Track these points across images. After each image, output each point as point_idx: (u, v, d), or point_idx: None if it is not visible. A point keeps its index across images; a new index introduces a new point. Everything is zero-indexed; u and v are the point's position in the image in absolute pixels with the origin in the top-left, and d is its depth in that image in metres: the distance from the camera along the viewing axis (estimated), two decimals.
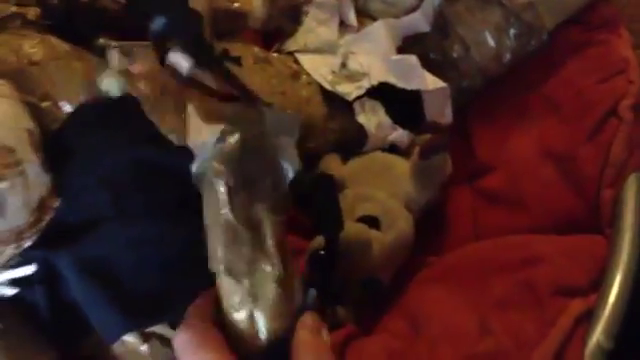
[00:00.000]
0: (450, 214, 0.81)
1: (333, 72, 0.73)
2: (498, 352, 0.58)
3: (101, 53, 0.49)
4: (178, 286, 0.47)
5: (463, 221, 0.80)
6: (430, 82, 0.76)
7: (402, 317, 0.68)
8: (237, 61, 0.64)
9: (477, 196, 0.80)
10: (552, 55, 0.78)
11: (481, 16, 0.78)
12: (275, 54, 0.74)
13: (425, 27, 0.78)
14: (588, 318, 0.59)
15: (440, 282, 0.70)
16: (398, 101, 0.75)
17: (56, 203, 0.43)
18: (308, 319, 0.47)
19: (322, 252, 0.65)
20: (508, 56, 0.78)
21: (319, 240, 0.66)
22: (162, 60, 0.53)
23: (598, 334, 0.57)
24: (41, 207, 0.41)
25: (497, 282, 0.65)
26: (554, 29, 0.77)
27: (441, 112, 0.77)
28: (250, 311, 0.44)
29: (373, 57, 0.74)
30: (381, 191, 0.70)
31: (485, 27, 0.77)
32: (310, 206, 0.63)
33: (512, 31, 0.77)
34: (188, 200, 0.48)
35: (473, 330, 0.61)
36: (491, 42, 0.78)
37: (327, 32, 0.75)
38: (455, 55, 0.79)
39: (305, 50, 0.75)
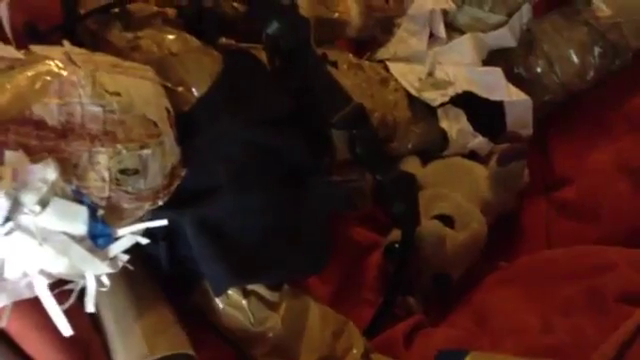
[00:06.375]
0: (524, 223, 0.84)
1: (420, 80, 0.78)
2: (558, 349, 0.61)
3: (223, 51, 0.58)
4: (277, 253, 0.54)
5: (537, 230, 0.83)
6: (513, 94, 0.80)
7: (469, 314, 0.72)
8: (334, 65, 0.70)
9: (552, 207, 0.83)
10: (635, 74, 0.80)
11: (567, 34, 0.81)
12: (367, 61, 0.80)
13: (511, 42, 0.81)
14: None
15: (508, 284, 0.73)
16: (481, 111, 0.79)
17: (183, 172, 0.51)
18: None
19: (397, 245, 0.70)
20: (591, 74, 0.81)
21: (396, 233, 0.71)
22: (271, 58, 0.61)
23: None
24: (172, 174, 0.49)
25: (564, 286, 0.68)
26: (639, 49, 0.79)
27: (522, 123, 0.81)
28: None
29: (459, 68, 0.79)
30: (458, 193, 0.74)
31: (570, 45, 0.81)
32: (389, 202, 0.67)
33: (597, 50, 0.80)
34: (290, 179, 0.56)
35: (535, 327, 0.65)
36: (575, 59, 0.81)
37: (417, 43, 0.80)
38: (539, 70, 0.82)
39: (395, 59, 0.81)
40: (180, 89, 0.53)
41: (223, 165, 0.53)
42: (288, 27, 0.59)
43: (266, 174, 0.54)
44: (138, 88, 0.48)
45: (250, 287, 0.54)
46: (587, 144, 0.82)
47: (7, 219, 0.40)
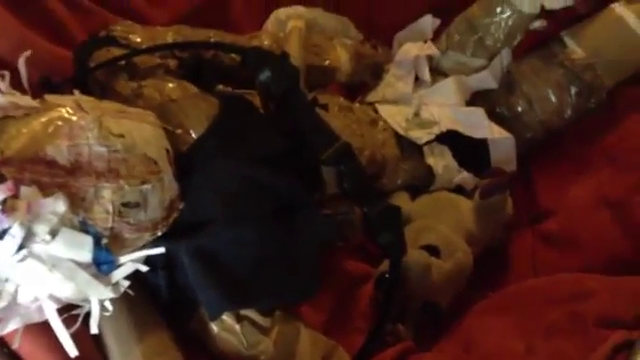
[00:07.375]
0: (511, 255, 0.87)
1: (407, 120, 0.83)
2: None
3: (220, 97, 0.63)
4: (268, 281, 0.58)
5: (523, 261, 0.86)
6: (496, 132, 0.85)
7: (457, 341, 0.75)
8: (324, 107, 0.76)
9: (537, 239, 0.87)
10: (610, 112, 0.85)
11: (545, 75, 0.86)
12: (357, 104, 0.86)
13: (493, 84, 0.87)
14: (628, 348, 0.64)
15: (495, 311, 0.77)
16: (465, 148, 0.84)
17: (181, 205, 0.56)
18: None
19: (387, 275, 0.74)
20: (569, 112, 0.86)
21: (386, 264, 0.75)
22: (264, 103, 0.66)
23: None
24: (171, 207, 0.54)
25: (547, 312, 0.71)
26: (613, 88, 0.84)
27: (506, 160, 0.85)
28: None
29: (443, 108, 0.84)
30: (444, 225, 0.78)
31: (548, 85, 0.86)
32: (376, 233, 0.71)
33: (573, 89, 0.85)
34: (282, 212, 0.60)
35: (519, 351, 0.68)
36: (553, 99, 0.86)
37: (404, 86, 0.85)
38: (520, 110, 0.87)
39: (384, 101, 0.86)
40: (179, 131, 0.59)
41: (218, 199, 0.58)
42: (278, 75, 0.65)
43: (259, 208, 0.59)
44: (140, 130, 0.54)
45: (243, 312, 0.58)
46: (568, 179, 0.86)
47: (21, 247, 0.45)
